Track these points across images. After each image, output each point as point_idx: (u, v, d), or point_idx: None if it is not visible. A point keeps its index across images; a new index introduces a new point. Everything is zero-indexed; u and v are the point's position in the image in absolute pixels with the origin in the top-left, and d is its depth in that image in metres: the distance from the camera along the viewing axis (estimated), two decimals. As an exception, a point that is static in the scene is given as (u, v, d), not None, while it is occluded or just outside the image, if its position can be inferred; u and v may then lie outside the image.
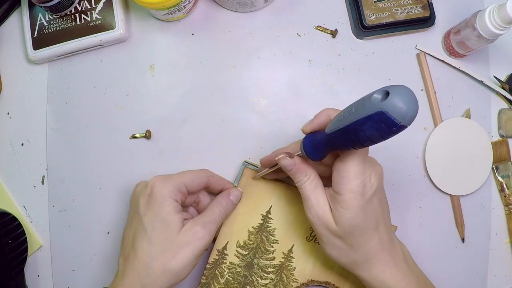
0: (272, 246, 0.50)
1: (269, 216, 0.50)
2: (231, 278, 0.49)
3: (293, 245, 0.50)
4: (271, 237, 0.50)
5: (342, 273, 0.49)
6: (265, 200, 0.50)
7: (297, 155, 0.41)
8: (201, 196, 0.49)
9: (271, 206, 0.50)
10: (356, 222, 0.39)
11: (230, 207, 0.48)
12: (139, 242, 0.42)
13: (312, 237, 0.50)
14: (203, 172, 0.48)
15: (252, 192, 0.50)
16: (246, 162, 0.51)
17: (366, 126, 0.31)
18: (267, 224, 0.50)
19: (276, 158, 0.42)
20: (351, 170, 0.38)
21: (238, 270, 0.49)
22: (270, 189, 0.50)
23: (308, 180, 0.41)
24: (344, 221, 0.39)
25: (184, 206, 0.48)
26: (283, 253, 0.49)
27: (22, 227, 0.52)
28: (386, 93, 0.30)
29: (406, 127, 0.30)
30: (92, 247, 0.53)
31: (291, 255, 0.50)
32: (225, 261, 0.49)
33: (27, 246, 0.52)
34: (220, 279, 0.49)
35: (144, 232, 0.42)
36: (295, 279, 0.49)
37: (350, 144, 0.34)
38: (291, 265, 0.49)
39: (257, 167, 0.50)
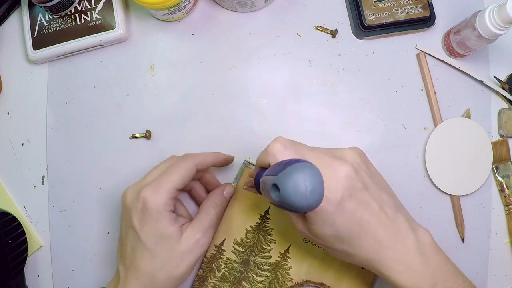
0: (269, 245, 0.50)
1: (267, 216, 0.50)
2: (227, 273, 0.50)
3: (290, 245, 0.50)
4: (268, 236, 0.50)
5: (338, 275, 0.49)
6: (264, 200, 0.50)
7: (249, 186, 0.43)
8: (193, 183, 0.50)
9: (270, 206, 0.50)
10: (330, 233, 0.37)
11: (224, 204, 0.49)
12: (139, 256, 0.42)
13: None
14: (189, 164, 0.44)
15: (251, 192, 0.50)
16: (246, 161, 0.51)
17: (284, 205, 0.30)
18: (265, 224, 0.50)
19: (244, 188, 0.44)
20: None
21: (234, 265, 0.50)
22: (269, 189, 0.50)
23: None
24: (319, 234, 0.38)
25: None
26: (279, 252, 0.50)
27: (22, 227, 0.52)
28: (276, 188, 0.28)
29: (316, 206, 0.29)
30: (92, 247, 0.53)
31: (288, 255, 0.50)
32: (222, 256, 0.50)
33: (27, 246, 0.52)
34: (216, 273, 0.50)
35: (144, 246, 0.42)
36: (290, 278, 0.49)
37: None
38: (287, 265, 0.49)
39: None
